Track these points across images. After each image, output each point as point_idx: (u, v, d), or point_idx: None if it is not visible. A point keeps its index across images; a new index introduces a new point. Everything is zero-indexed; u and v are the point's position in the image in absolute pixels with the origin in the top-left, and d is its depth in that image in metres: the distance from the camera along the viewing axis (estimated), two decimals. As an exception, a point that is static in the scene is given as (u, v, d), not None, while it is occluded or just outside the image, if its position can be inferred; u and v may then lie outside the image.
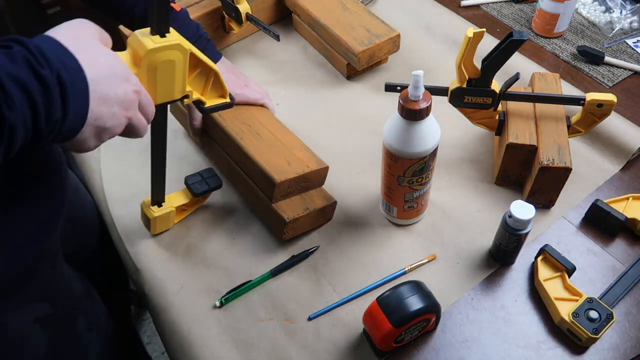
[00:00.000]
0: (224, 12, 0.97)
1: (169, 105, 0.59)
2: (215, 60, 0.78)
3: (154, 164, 0.66)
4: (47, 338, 0.66)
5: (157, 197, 0.72)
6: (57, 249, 0.68)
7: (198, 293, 0.71)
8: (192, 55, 0.55)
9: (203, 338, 0.66)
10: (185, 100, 0.59)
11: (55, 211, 0.63)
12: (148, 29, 0.51)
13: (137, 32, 0.51)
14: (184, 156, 0.87)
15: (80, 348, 0.73)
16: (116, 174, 0.86)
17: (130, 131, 0.52)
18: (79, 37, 0.45)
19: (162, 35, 0.51)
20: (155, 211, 0.72)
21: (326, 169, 0.73)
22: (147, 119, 0.53)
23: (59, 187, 0.64)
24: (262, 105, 0.82)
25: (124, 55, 0.51)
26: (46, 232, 0.61)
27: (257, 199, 0.74)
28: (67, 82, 0.41)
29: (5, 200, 0.54)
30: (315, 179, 0.73)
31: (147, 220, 0.74)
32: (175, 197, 0.75)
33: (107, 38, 0.50)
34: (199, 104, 0.63)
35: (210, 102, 0.64)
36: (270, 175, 0.68)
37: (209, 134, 0.80)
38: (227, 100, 0.66)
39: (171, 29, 0.52)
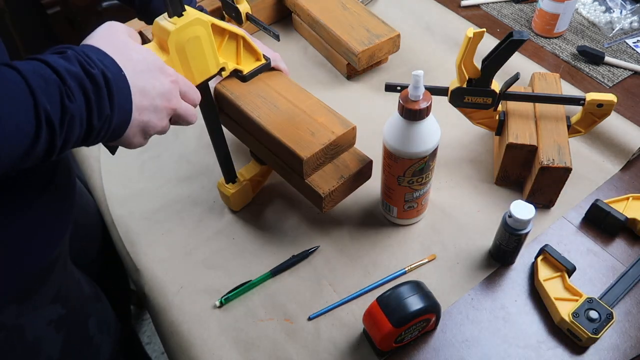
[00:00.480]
0: (224, 12, 0.97)
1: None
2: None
3: (215, 143, 0.69)
4: (62, 340, 0.66)
5: (228, 174, 0.73)
6: (66, 251, 0.68)
7: (198, 293, 0.71)
8: (214, 26, 0.56)
9: (203, 338, 0.66)
10: (223, 72, 0.60)
11: (67, 214, 0.64)
12: (166, 14, 0.53)
13: (157, 19, 0.52)
14: (184, 155, 0.87)
15: (92, 350, 0.73)
16: (116, 174, 0.86)
17: (179, 120, 0.54)
18: (112, 39, 0.48)
19: (180, 15, 0.52)
20: (231, 188, 0.74)
21: (353, 129, 0.69)
22: (193, 105, 0.55)
23: (69, 191, 0.64)
24: (274, 68, 0.77)
25: (151, 46, 0.53)
26: (59, 235, 0.62)
27: (288, 174, 0.71)
28: (111, 80, 0.44)
29: (20, 207, 0.55)
30: (344, 142, 0.69)
31: (226, 199, 0.76)
32: (246, 170, 0.77)
33: (136, 34, 0.52)
34: (237, 73, 0.64)
35: (247, 69, 0.65)
36: (296, 152, 0.65)
37: (225, 112, 0.77)
38: (263, 61, 0.67)
39: (187, 7, 0.53)
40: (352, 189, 0.72)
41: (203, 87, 0.60)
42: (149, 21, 0.76)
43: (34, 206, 0.56)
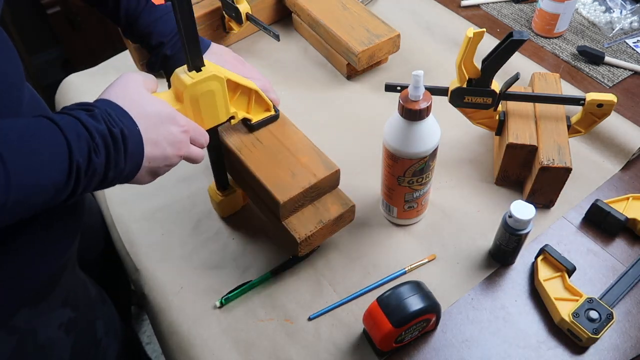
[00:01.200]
0: (224, 12, 0.97)
1: None
2: (204, 49, 0.75)
3: (213, 167, 0.71)
4: (71, 343, 0.66)
5: (220, 181, 0.74)
6: (75, 254, 0.69)
7: (198, 293, 0.71)
8: (229, 81, 0.60)
9: (203, 338, 0.66)
10: (232, 120, 0.64)
11: (77, 220, 0.65)
12: (185, 67, 0.56)
13: (176, 71, 0.56)
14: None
15: (100, 353, 0.74)
16: (116, 174, 0.86)
17: (188, 161, 0.58)
18: (128, 92, 0.52)
19: (198, 70, 0.56)
20: (221, 195, 0.75)
21: (337, 172, 0.67)
22: (201, 147, 0.59)
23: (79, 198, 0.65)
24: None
25: (168, 94, 0.57)
26: (69, 241, 0.63)
27: (266, 213, 0.70)
28: (128, 138, 0.48)
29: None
30: (326, 185, 0.67)
31: (216, 205, 0.76)
32: None
33: (151, 82, 0.56)
34: (245, 121, 0.68)
35: (256, 118, 0.69)
36: (273, 195, 0.63)
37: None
38: (272, 112, 0.70)
39: (206, 61, 0.57)
40: (332, 232, 0.69)
41: (211, 130, 0.62)
42: (133, 39, 0.75)
43: (45, 214, 0.57)
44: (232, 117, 0.64)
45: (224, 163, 0.71)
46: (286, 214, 0.65)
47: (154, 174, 0.55)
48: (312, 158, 0.67)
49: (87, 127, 0.46)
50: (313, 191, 0.66)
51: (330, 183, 0.67)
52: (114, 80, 0.53)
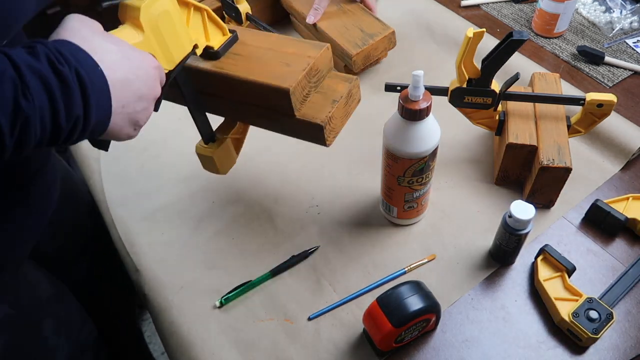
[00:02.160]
0: (224, 12, 0.97)
1: None
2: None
3: (194, 115, 0.65)
4: (5, 340, 0.64)
5: (207, 131, 0.67)
6: (24, 254, 0.66)
7: (198, 293, 0.71)
8: None
9: (203, 338, 0.66)
10: (197, 50, 0.59)
11: (18, 228, 0.60)
12: None
13: (122, 2, 0.50)
14: (184, 155, 0.87)
15: (46, 352, 0.71)
16: (116, 174, 0.86)
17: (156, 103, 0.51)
18: (83, 32, 0.44)
19: None
20: (212, 147, 0.67)
21: (328, 49, 0.63)
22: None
23: (34, 195, 0.62)
24: None
25: (126, 29, 0.50)
26: (12, 244, 0.59)
27: (277, 121, 0.65)
28: (85, 79, 0.40)
29: None
30: (323, 66, 0.64)
31: (210, 163, 0.68)
32: (222, 129, 0.70)
33: (100, 26, 0.48)
34: (208, 50, 0.62)
35: (217, 44, 0.63)
36: (279, 86, 0.59)
37: (179, 84, 0.64)
38: (229, 35, 0.64)
39: None
40: (348, 115, 0.65)
41: (181, 67, 0.57)
42: None
43: None
44: (196, 46, 0.58)
45: (205, 106, 0.66)
46: (297, 104, 0.61)
47: (134, 122, 0.47)
48: (299, 46, 0.64)
49: (16, 64, 0.37)
50: (314, 74, 0.62)
51: (326, 64, 0.64)
52: (63, 23, 0.45)
